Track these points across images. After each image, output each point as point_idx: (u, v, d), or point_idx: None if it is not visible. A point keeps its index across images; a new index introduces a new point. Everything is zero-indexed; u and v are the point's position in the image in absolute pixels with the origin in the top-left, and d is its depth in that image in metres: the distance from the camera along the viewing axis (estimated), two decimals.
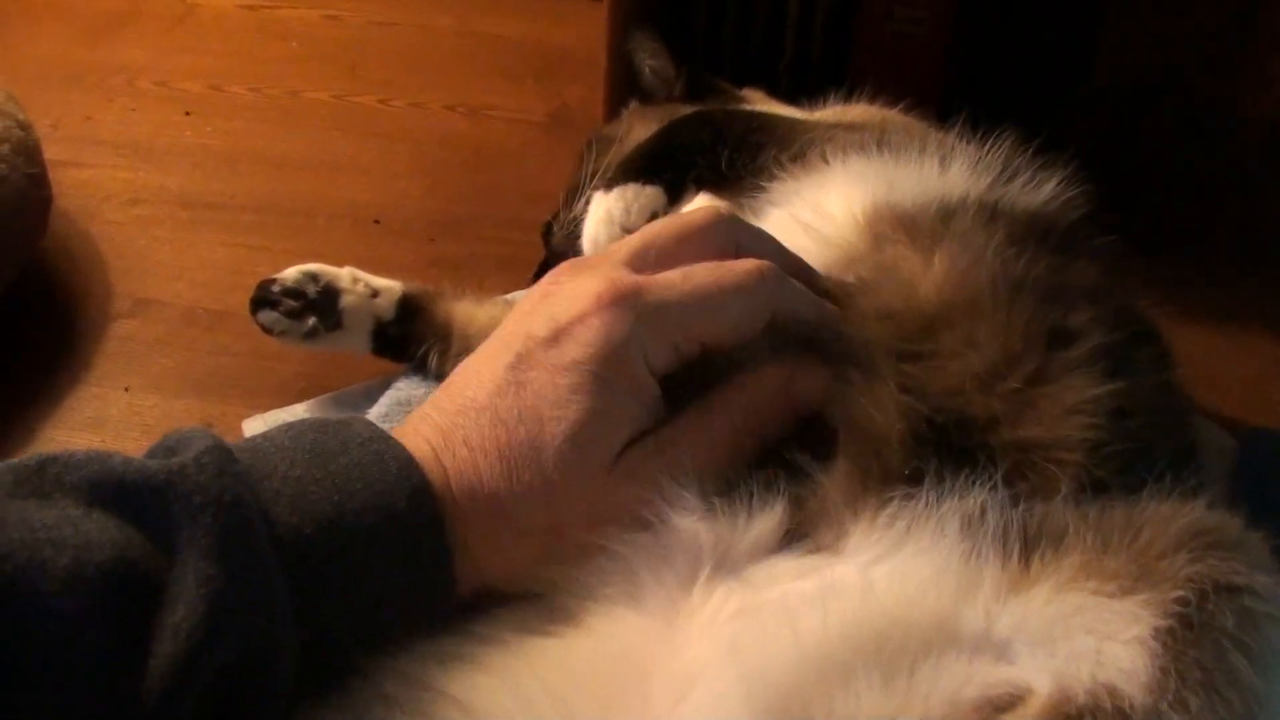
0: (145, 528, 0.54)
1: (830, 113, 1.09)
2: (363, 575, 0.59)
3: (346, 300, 1.05)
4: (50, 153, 1.24)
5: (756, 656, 0.56)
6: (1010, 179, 0.81)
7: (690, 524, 0.62)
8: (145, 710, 0.51)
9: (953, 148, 0.85)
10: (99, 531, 0.52)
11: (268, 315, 1.04)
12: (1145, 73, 1.50)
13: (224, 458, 0.57)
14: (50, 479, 0.54)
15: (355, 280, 1.06)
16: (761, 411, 0.67)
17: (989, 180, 0.80)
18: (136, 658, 0.51)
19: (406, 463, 0.61)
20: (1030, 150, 0.84)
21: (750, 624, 0.59)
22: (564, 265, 0.71)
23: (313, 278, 1.05)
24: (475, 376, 0.67)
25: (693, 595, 0.61)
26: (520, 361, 0.65)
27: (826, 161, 0.86)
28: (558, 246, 1.20)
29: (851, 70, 1.35)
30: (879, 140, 0.86)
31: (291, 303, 1.04)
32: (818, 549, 0.62)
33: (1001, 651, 0.56)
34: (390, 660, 0.60)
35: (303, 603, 0.57)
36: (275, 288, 1.04)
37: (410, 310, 1.07)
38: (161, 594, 0.53)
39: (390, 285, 1.07)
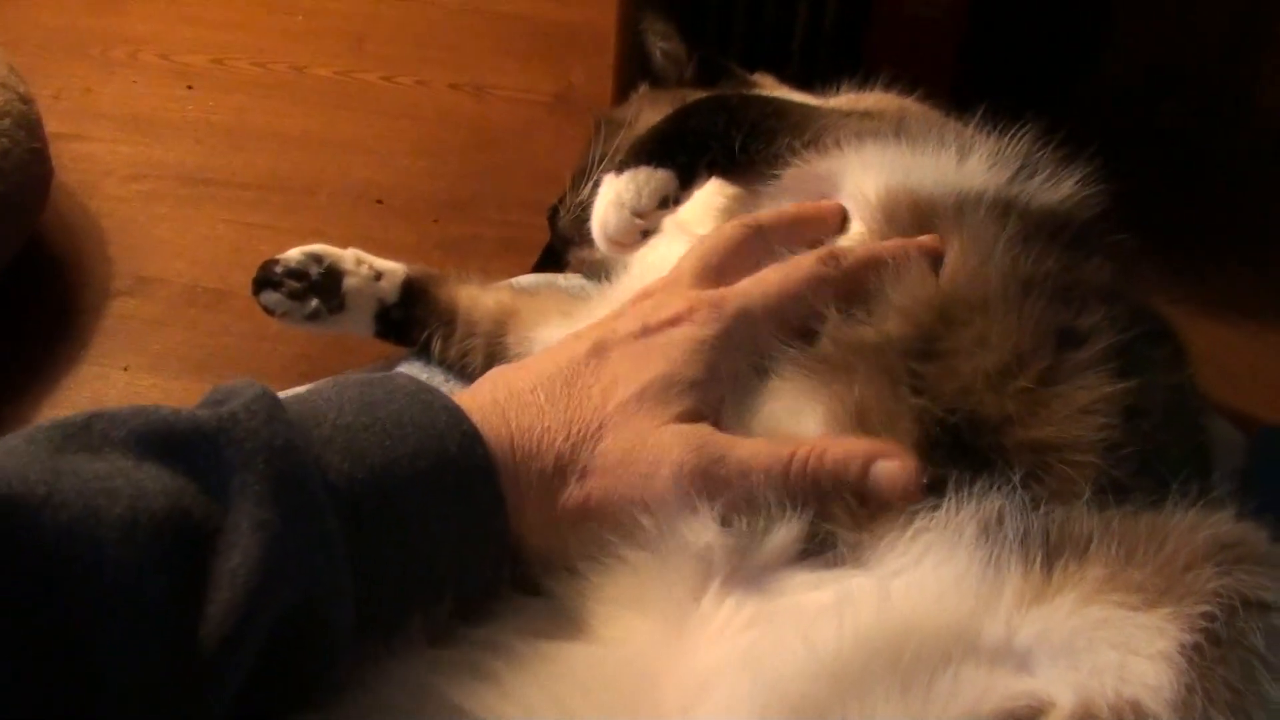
0: (198, 476, 0.53)
1: (844, 100, 1.07)
2: (416, 520, 0.59)
3: (350, 282, 1.04)
4: (51, 125, 1.23)
5: (770, 666, 0.55)
6: (1029, 175, 0.79)
7: (702, 533, 0.61)
8: (206, 656, 0.50)
9: (971, 139, 0.83)
10: (152, 481, 0.52)
11: (270, 296, 1.03)
12: (1158, 61, 1.49)
13: (273, 404, 0.56)
14: (98, 434, 0.53)
15: (359, 262, 1.05)
16: (825, 467, 0.64)
17: (1007, 175, 0.79)
18: (194, 604, 0.51)
19: (455, 411, 0.62)
20: (1050, 145, 0.82)
21: (764, 633, 0.58)
22: (634, 295, 0.74)
23: (316, 259, 1.04)
24: (552, 357, 0.69)
25: (703, 603, 0.60)
26: (602, 347, 0.68)
27: (841, 149, 0.85)
28: (564, 230, 1.19)
29: (865, 53, 1.33)
30: (895, 129, 0.85)
31: (294, 284, 1.03)
32: (836, 562, 0.60)
33: (1022, 662, 0.55)
34: (395, 669, 0.59)
35: (358, 549, 0.56)
36: (278, 268, 1.03)
37: (414, 293, 1.05)
38: (217, 540, 0.52)
39: (394, 268, 1.06)
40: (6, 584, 0.47)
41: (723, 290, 0.71)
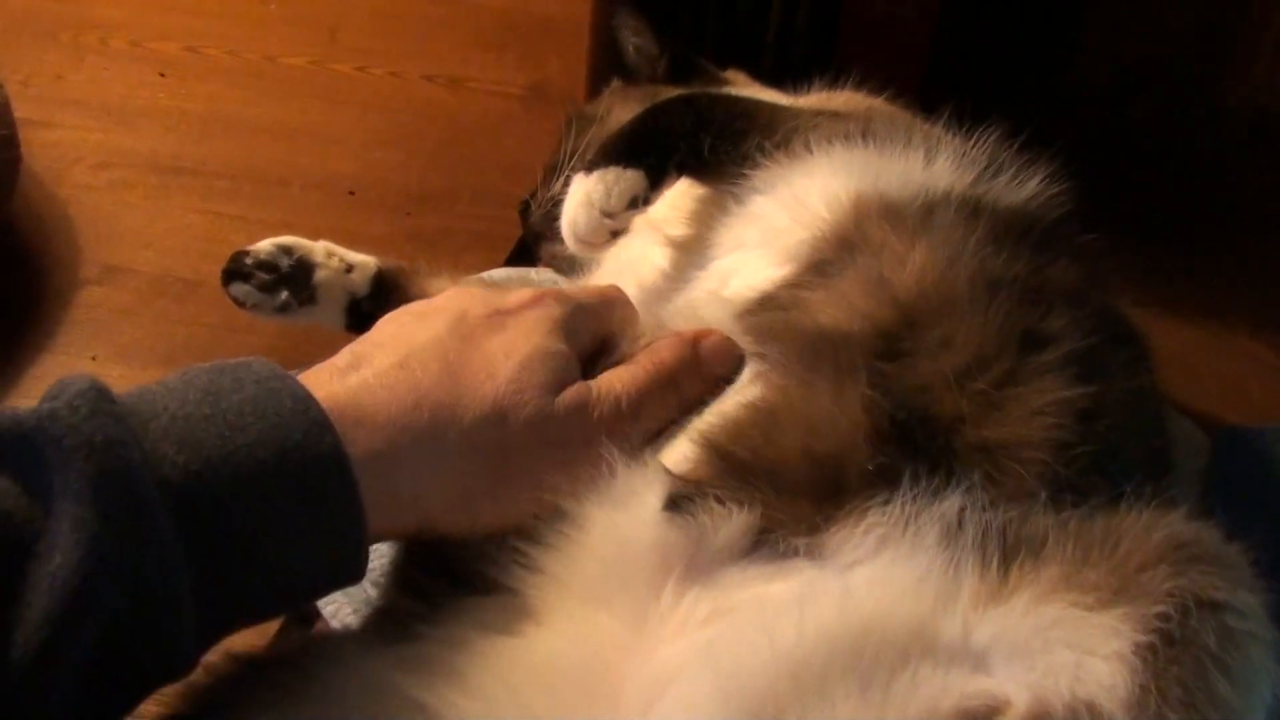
0: (20, 476, 0.51)
1: (815, 99, 1.07)
2: (261, 512, 0.56)
3: (320, 275, 1.04)
4: (19, 111, 1.22)
5: (732, 662, 0.56)
6: (995, 174, 0.80)
7: (654, 527, 0.61)
8: (22, 665, 0.49)
9: (938, 140, 0.84)
10: None
11: (240, 288, 1.03)
12: (1129, 61, 1.49)
13: (98, 397, 0.54)
14: None
15: (330, 254, 1.05)
16: (669, 365, 0.71)
17: (973, 175, 0.79)
18: (12, 608, 0.49)
19: (303, 398, 0.59)
20: (1014, 145, 0.83)
21: (725, 629, 0.58)
22: (450, 291, 0.76)
23: (286, 251, 1.04)
24: (401, 333, 0.68)
25: (662, 599, 0.60)
26: (459, 324, 0.68)
27: (810, 150, 0.85)
28: (535, 225, 1.19)
29: (837, 51, 1.34)
30: (864, 130, 0.85)
31: (264, 276, 1.03)
32: (791, 553, 0.61)
33: (979, 662, 0.55)
34: (355, 665, 0.59)
35: (195, 543, 0.54)
36: (248, 260, 1.03)
37: (385, 286, 1.05)
38: (38, 542, 0.50)
39: (365, 260, 1.06)
40: None
41: (556, 289, 0.76)
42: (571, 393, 0.67)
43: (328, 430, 0.58)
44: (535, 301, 0.72)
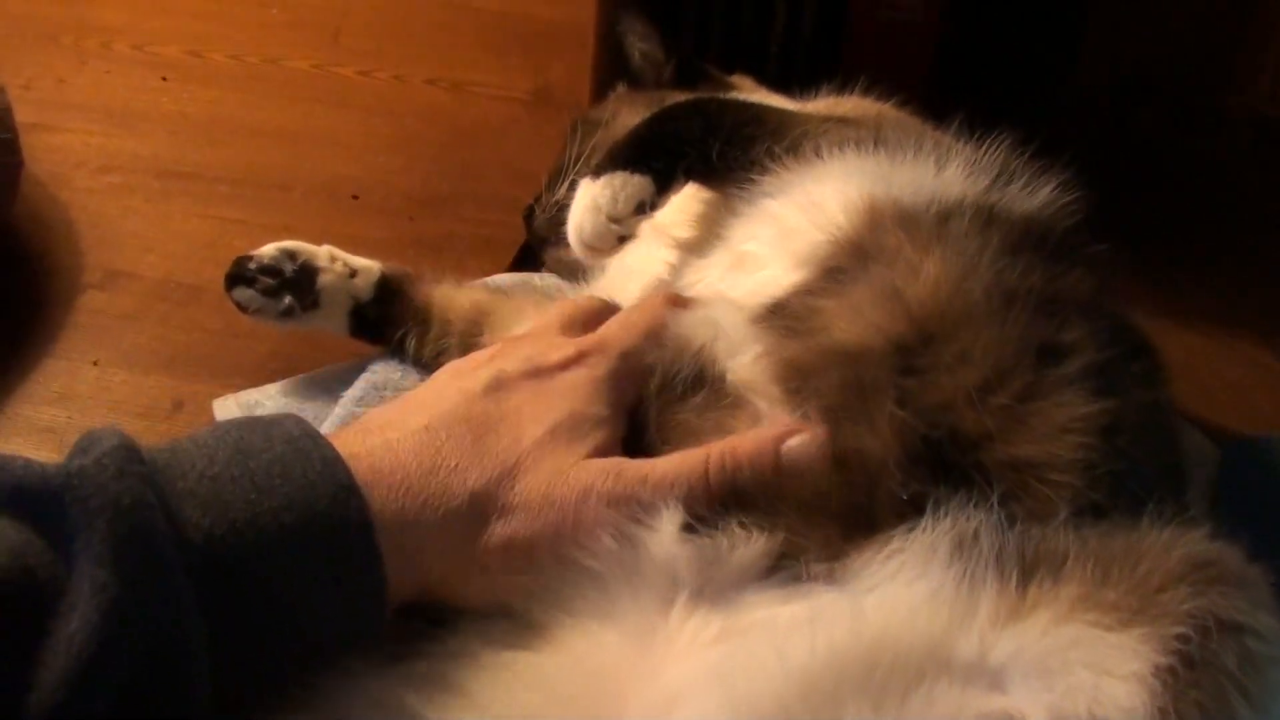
0: (44, 533, 0.52)
1: (823, 105, 1.07)
2: (282, 576, 0.56)
3: (324, 280, 1.03)
4: (21, 115, 1.21)
5: (742, 681, 0.55)
6: (1007, 183, 0.79)
7: (667, 546, 0.60)
8: (48, 711, 0.48)
9: (949, 147, 0.83)
10: None
11: (243, 293, 1.02)
12: (1131, 68, 1.49)
13: (126, 457, 0.54)
14: None
15: (333, 259, 1.04)
16: (740, 459, 0.66)
17: (985, 183, 0.79)
18: (31, 667, 0.49)
19: (332, 460, 0.59)
20: (1026, 153, 0.82)
21: (735, 648, 0.57)
22: (494, 347, 0.77)
23: (290, 255, 1.03)
24: (434, 394, 0.68)
25: (670, 617, 0.60)
26: (497, 387, 0.68)
27: (820, 156, 0.85)
28: (540, 230, 1.18)
29: (843, 56, 1.33)
30: (874, 137, 0.85)
31: (268, 280, 1.02)
32: (809, 577, 0.60)
33: (995, 680, 0.55)
34: (362, 681, 0.58)
35: (215, 607, 0.54)
36: (252, 264, 1.02)
37: (389, 292, 1.05)
38: (59, 601, 0.50)
39: (369, 265, 1.05)
40: None
41: (601, 334, 0.74)
42: (597, 467, 0.65)
43: (354, 494, 0.58)
44: (578, 359, 0.71)
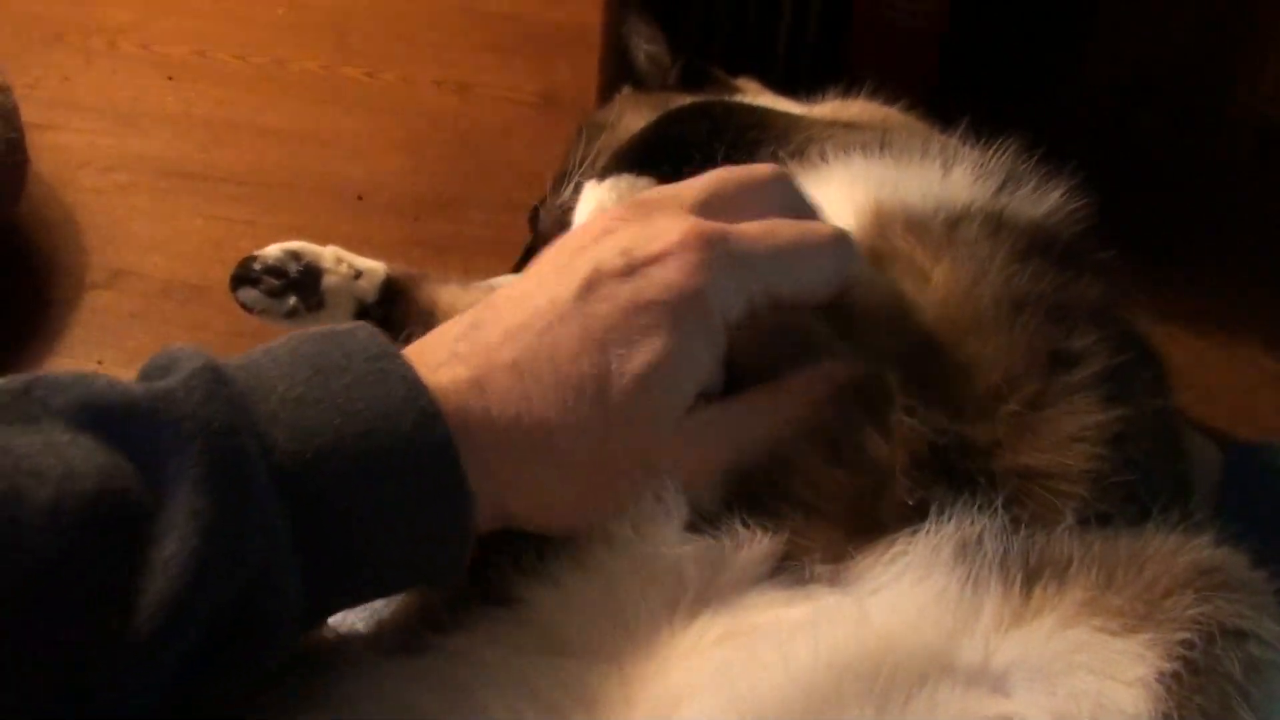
0: (133, 455, 0.51)
1: (828, 108, 1.07)
2: (368, 503, 0.55)
3: (329, 280, 1.03)
4: (27, 114, 1.21)
5: (745, 683, 0.55)
6: (1015, 188, 0.79)
7: (673, 546, 0.60)
8: (137, 648, 0.48)
9: (956, 152, 0.83)
10: (84, 459, 0.49)
11: (248, 293, 1.02)
12: (1135, 71, 1.49)
13: (214, 379, 0.53)
14: (36, 402, 0.51)
15: (338, 260, 1.04)
16: (823, 407, 0.64)
17: (993, 188, 0.79)
18: (125, 594, 0.49)
19: (413, 383, 0.57)
20: (1033, 157, 0.82)
21: (738, 650, 0.57)
22: (626, 203, 0.67)
23: (295, 256, 1.03)
24: (528, 301, 0.62)
25: (675, 618, 0.59)
26: (589, 290, 0.61)
27: (826, 161, 0.85)
28: (545, 232, 1.18)
29: (847, 59, 1.33)
30: (880, 140, 0.85)
31: (273, 281, 1.02)
32: (813, 579, 0.60)
33: (999, 684, 0.54)
34: (366, 679, 0.58)
35: (303, 534, 0.53)
36: (256, 265, 1.02)
37: (394, 293, 1.05)
38: (150, 526, 0.50)
39: (374, 266, 1.05)
40: None
41: (725, 225, 0.63)
42: (697, 421, 0.62)
43: (438, 421, 0.56)
44: (676, 249, 0.61)
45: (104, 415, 0.51)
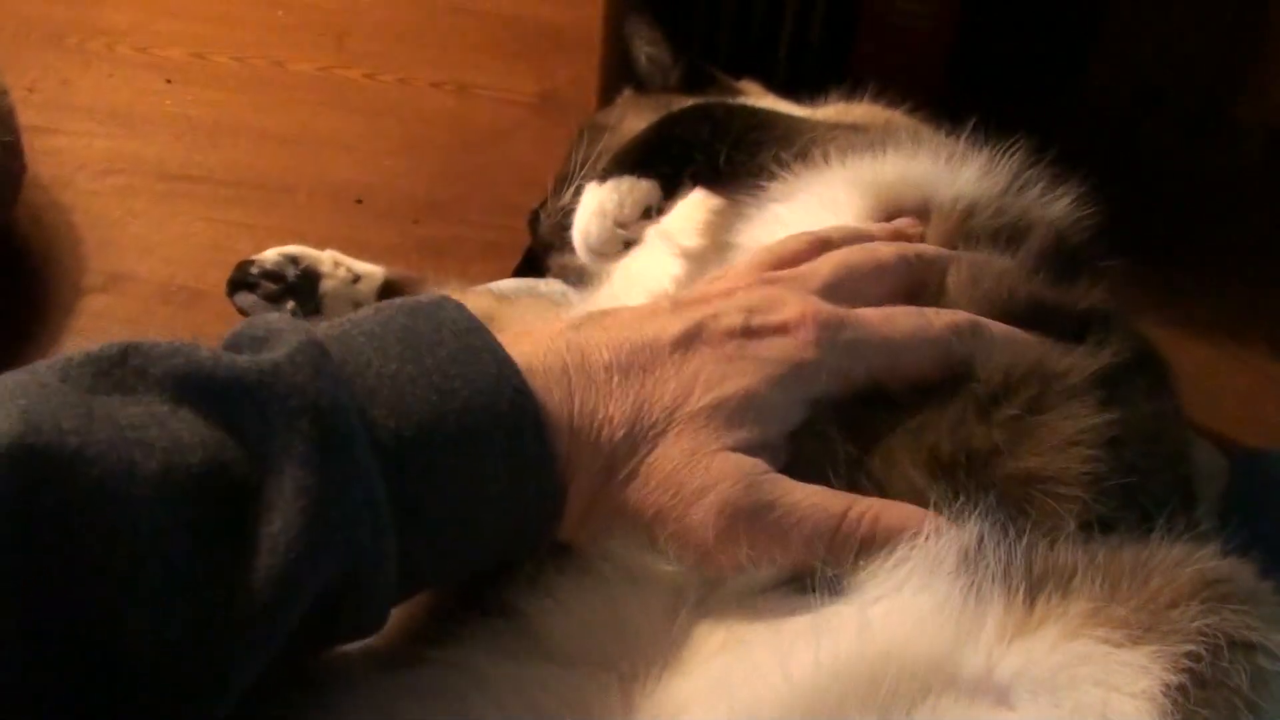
0: (237, 430, 0.50)
1: (832, 111, 1.06)
2: (465, 480, 0.55)
3: (327, 285, 1.03)
4: (25, 117, 1.21)
5: (746, 693, 0.54)
6: (1020, 192, 0.78)
7: (670, 559, 0.60)
8: (245, 621, 0.48)
9: (961, 154, 0.83)
10: (189, 432, 0.49)
11: (245, 298, 1.02)
12: (1142, 77, 1.48)
13: (319, 355, 0.53)
14: (133, 371, 0.51)
15: (336, 264, 1.04)
16: (874, 535, 0.60)
17: (998, 191, 0.78)
18: (234, 567, 0.48)
19: (505, 360, 0.58)
20: (1039, 161, 0.82)
21: (739, 659, 0.56)
22: (752, 273, 0.69)
23: (293, 260, 1.03)
24: (636, 324, 0.63)
25: (675, 627, 0.59)
26: (698, 332, 0.63)
27: (828, 163, 0.84)
28: (544, 235, 1.18)
29: (852, 61, 1.33)
30: (884, 143, 0.84)
31: (270, 285, 1.02)
32: (813, 588, 0.59)
33: (1002, 697, 0.54)
34: (363, 692, 0.58)
35: (401, 509, 0.53)
36: (254, 269, 1.02)
37: (392, 297, 1.04)
38: (257, 502, 0.49)
39: (372, 270, 1.05)
40: (33, 546, 0.45)
41: (845, 312, 0.65)
42: (733, 465, 0.60)
43: (529, 398, 0.57)
44: (794, 326, 0.63)
45: (206, 388, 0.50)
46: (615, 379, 0.61)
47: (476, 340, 0.58)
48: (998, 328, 0.67)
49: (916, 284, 0.70)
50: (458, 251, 1.23)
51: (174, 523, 0.48)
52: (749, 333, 0.63)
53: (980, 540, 0.58)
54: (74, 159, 1.31)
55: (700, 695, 0.56)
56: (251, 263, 1.02)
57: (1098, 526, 0.59)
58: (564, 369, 0.60)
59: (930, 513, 0.60)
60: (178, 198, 1.28)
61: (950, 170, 0.80)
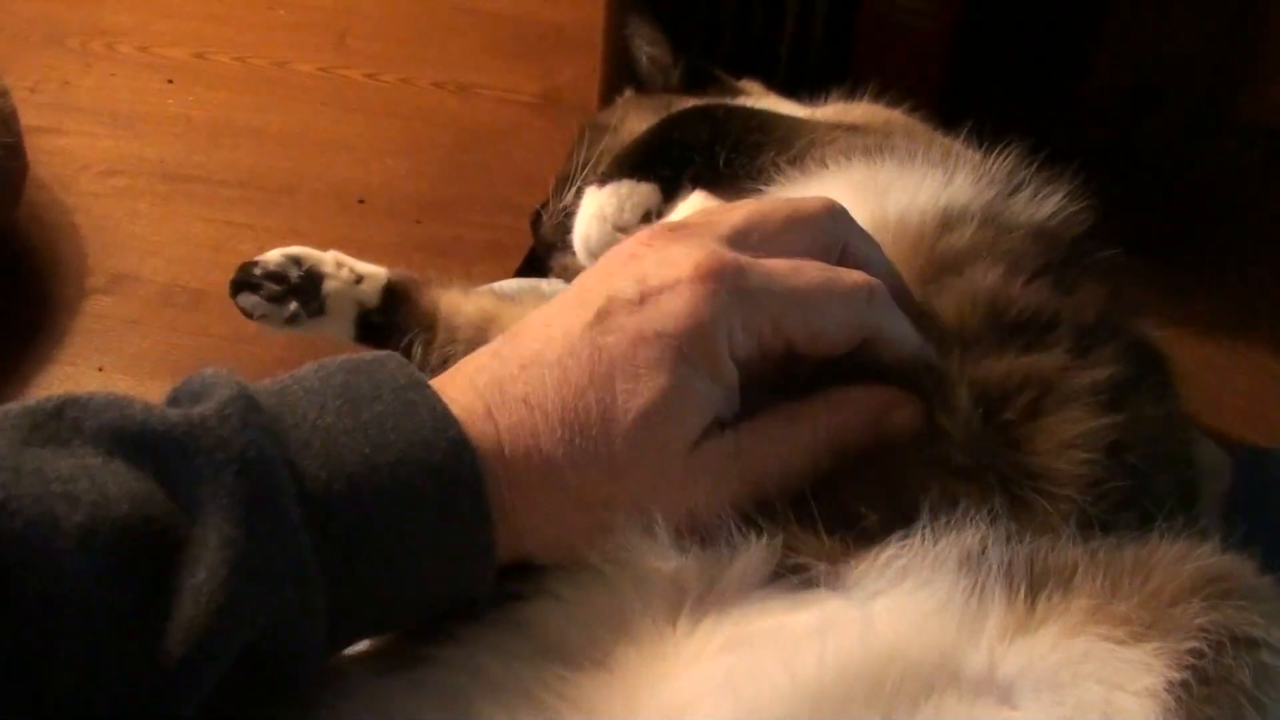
0: (166, 482, 0.51)
1: (832, 111, 1.06)
2: (396, 534, 0.55)
3: (330, 286, 1.03)
4: (26, 118, 1.21)
5: (751, 691, 0.54)
6: (1015, 191, 0.78)
7: (667, 551, 0.60)
8: (165, 673, 0.48)
9: (958, 155, 0.83)
10: (117, 485, 0.49)
11: (248, 299, 1.02)
12: (1144, 75, 1.48)
13: (248, 407, 0.53)
14: (68, 424, 0.51)
15: (339, 265, 1.04)
16: (848, 435, 0.62)
17: (994, 192, 0.78)
18: (154, 618, 0.49)
19: (442, 414, 0.57)
20: (1036, 161, 0.82)
21: (742, 658, 0.56)
22: (657, 228, 0.65)
23: (296, 261, 1.03)
24: (545, 330, 0.61)
25: (678, 626, 0.59)
26: (599, 321, 0.60)
27: (827, 166, 0.84)
28: (546, 236, 1.18)
29: (853, 61, 1.33)
30: (882, 145, 0.84)
31: (273, 286, 1.02)
32: (812, 583, 0.59)
33: (1005, 695, 0.54)
34: (365, 691, 0.58)
35: (330, 562, 0.53)
36: (257, 270, 1.02)
37: (395, 298, 1.04)
38: (182, 553, 0.50)
39: (375, 271, 1.05)
40: None
41: (747, 259, 0.61)
42: (713, 459, 0.60)
43: (466, 450, 0.56)
44: (689, 277, 0.60)
45: (137, 441, 0.51)
46: (538, 415, 0.59)
47: (415, 394, 0.57)
48: (894, 305, 0.65)
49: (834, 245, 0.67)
50: (460, 251, 1.23)
51: (97, 572, 0.48)
52: (643, 301, 0.60)
53: (982, 540, 0.58)
54: (76, 160, 1.32)
55: (704, 694, 0.56)
56: (254, 264, 1.02)
57: (1098, 527, 0.60)
58: (486, 412, 0.59)
59: (884, 392, 0.62)
60: (179, 198, 1.28)
61: (946, 174, 0.80)
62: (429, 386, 0.58)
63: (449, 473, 0.56)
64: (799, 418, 0.63)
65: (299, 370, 0.59)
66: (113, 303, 1.15)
